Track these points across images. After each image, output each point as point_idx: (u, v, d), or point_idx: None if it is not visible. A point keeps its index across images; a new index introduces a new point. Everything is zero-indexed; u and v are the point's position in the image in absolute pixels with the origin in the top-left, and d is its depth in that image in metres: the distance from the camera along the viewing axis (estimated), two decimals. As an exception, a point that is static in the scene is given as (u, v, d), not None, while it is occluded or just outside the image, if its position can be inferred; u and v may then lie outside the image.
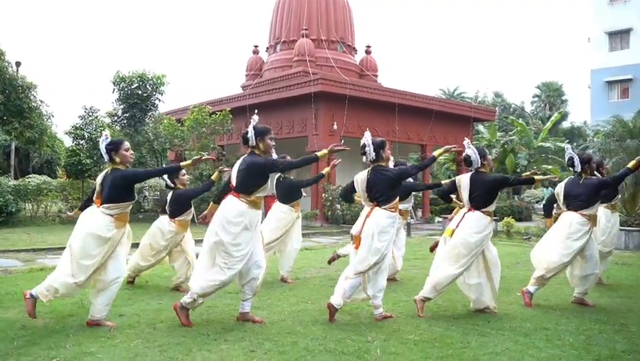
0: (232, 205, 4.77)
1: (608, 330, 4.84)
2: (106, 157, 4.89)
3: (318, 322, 4.96)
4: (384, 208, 5.07)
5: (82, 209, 5.02)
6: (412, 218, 20.29)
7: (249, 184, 4.81)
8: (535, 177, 5.54)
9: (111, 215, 4.74)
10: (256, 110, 5.81)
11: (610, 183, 6.14)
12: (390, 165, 5.95)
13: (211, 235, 4.74)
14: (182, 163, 5.31)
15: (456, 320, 5.16)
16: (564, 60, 77.96)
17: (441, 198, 6.29)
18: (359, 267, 4.98)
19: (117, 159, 4.86)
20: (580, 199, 5.87)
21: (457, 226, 5.41)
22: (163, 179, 6.65)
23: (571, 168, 6.11)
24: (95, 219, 4.73)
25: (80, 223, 4.76)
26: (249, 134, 4.93)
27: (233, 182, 4.90)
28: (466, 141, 5.66)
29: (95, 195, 4.90)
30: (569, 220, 5.84)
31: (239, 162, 4.99)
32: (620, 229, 11.66)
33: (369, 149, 5.14)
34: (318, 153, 5.00)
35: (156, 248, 6.46)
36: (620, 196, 7.98)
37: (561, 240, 5.82)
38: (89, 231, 4.66)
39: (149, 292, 6.34)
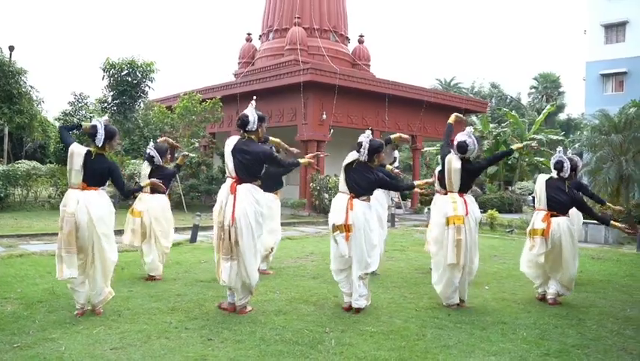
0: (262, 194, 5.02)
1: (563, 325, 4.94)
2: (101, 142, 4.82)
3: (282, 312, 5.06)
4: (362, 200, 5.19)
5: None
6: (399, 208, 20.42)
7: (256, 171, 5.00)
8: None
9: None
10: (255, 97, 5.92)
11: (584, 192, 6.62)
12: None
13: (246, 226, 4.78)
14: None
15: (417, 312, 5.26)
16: (562, 51, 77.76)
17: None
18: (369, 268, 5.13)
19: (107, 147, 4.92)
20: (566, 205, 5.94)
21: (467, 212, 5.44)
22: (153, 157, 6.70)
23: (555, 171, 6.02)
24: (102, 199, 4.85)
25: (90, 209, 4.67)
26: (251, 119, 4.94)
27: (235, 172, 4.90)
28: (470, 129, 5.68)
29: (81, 178, 4.77)
30: (568, 228, 5.83)
31: (231, 148, 4.96)
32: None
33: (364, 151, 5.20)
34: (301, 161, 5.46)
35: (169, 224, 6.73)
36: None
37: (574, 250, 5.87)
38: (109, 209, 4.86)
39: (123, 279, 6.43)
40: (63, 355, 3.74)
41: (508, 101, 48.00)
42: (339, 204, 5.23)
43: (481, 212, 14.52)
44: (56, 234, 4.92)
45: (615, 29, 30.37)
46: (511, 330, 4.71)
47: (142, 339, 4.14)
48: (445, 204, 5.55)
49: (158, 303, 5.26)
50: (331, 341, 4.22)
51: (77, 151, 4.75)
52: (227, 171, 5.03)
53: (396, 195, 21.30)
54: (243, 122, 4.97)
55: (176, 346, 4.01)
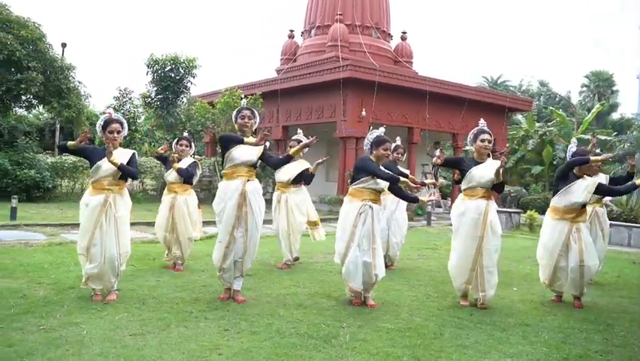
0: None
1: (590, 330, 4.78)
2: None
3: (302, 305, 5.10)
4: None
5: None
6: (439, 207, 20.14)
7: None
8: None
9: None
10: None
11: None
12: None
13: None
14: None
15: (440, 311, 5.20)
16: (616, 48, 74.63)
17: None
18: None
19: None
20: None
21: None
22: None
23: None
24: None
25: None
26: None
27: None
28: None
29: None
30: None
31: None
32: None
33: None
34: (291, 152, 5.62)
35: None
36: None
37: None
38: None
39: (153, 268, 6.62)
40: (84, 338, 3.88)
41: (557, 100, 46.54)
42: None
43: (521, 213, 14.16)
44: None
45: (673, 25, 29.01)
46: (533, 333, 4.59)
47: (161, 327, 4.25)
48: None
49: (182, 293, 5.38)
50: (346, 336, 4.23)
51: None
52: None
53: (435, 194, 21.02)
54: None
55: (192, 334, 4.10)
